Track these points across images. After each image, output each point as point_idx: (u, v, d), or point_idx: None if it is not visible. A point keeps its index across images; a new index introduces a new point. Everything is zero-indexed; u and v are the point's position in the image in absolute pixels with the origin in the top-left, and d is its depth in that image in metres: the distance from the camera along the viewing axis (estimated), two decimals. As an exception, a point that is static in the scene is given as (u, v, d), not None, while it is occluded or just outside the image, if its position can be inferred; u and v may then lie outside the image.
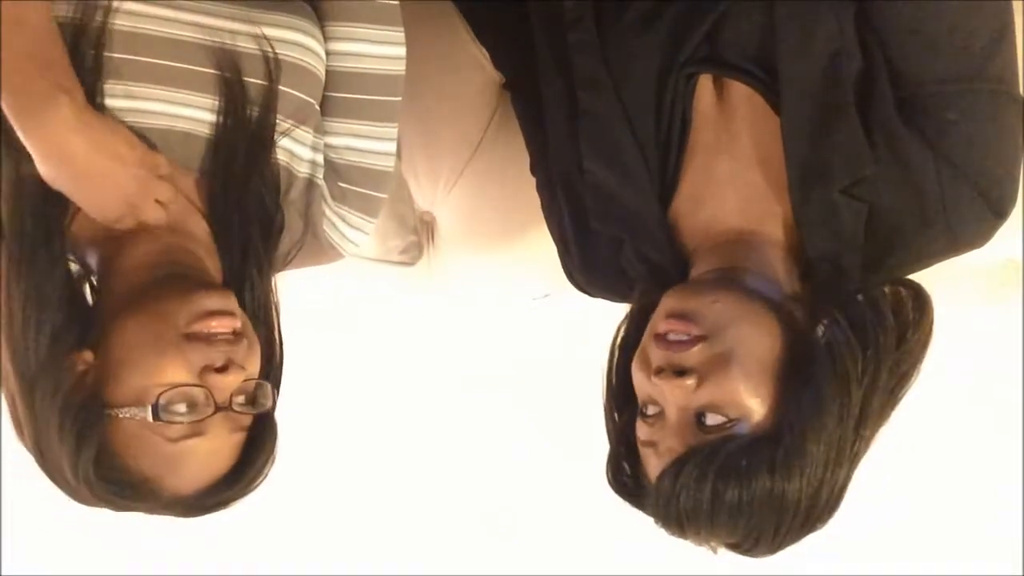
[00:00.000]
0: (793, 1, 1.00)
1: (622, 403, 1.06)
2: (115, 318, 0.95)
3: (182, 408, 0.93)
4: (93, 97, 0.95)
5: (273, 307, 1.06)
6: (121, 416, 0.92)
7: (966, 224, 1.01)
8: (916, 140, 0.99)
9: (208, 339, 0.93)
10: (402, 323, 1.90)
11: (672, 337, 0.97)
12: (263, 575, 2.17)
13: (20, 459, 0.96)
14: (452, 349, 1.96)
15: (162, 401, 0.92)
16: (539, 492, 2.10)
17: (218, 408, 0.94)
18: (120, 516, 1.00)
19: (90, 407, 0.92)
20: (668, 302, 1.00)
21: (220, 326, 0.94)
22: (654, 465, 0.97)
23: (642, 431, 1.00)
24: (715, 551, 1.00)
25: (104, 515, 1.00)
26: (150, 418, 0.92)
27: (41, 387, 0.92)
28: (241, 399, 0.96)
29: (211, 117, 1.02)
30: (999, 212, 1.01)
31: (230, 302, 0.97)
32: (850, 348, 0.96)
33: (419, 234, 1.57)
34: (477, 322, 1.89)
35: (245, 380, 0.96)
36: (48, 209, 0.95)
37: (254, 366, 0.98)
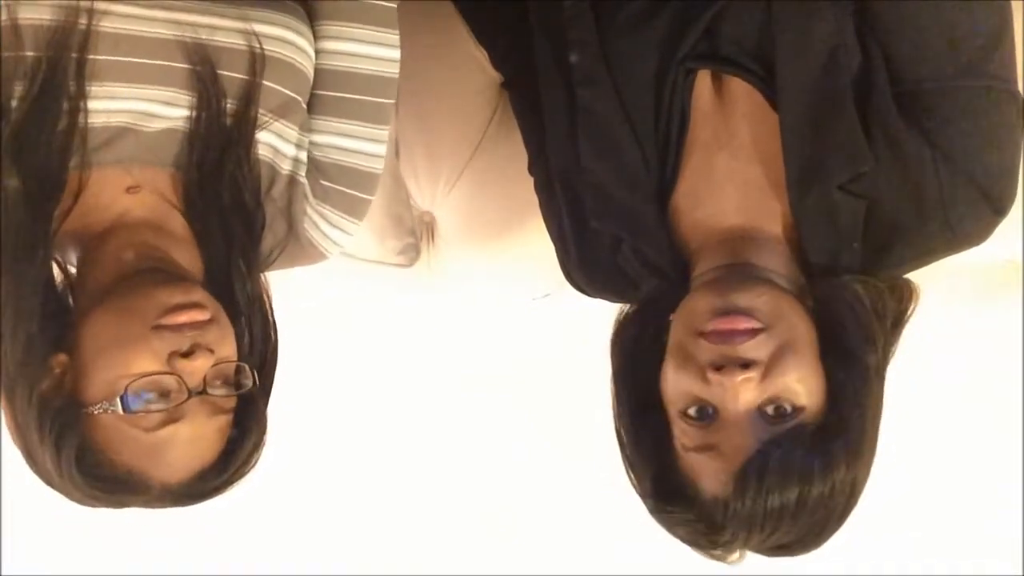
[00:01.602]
0: None
1: (640, 412, 1.02)
2: (86, 317, 0.96)
3: (153, 397, 0.92)
4: (79, 100, 0.96)
5: (265, 296, 1.06)
6: (96, 412, 0.93)
7: (965, 221, 1.01)
8: (915, 137, 0.99)
9: (174, 329, 0.93)
10: (402, 323, 1.90)
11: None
12: (263, 575, 2.17)
13: (20, 459, 0.96)
14: (452, 349, 1.96)
15: (131, 391, 0.92)
16: (539, 492, 2.09)
17: (191, 393, 0.93)
18: (119, 516, 1.00)
19: (67, 407, 0.93)
20: (711, 300, 0.97)
21: (187, 318, 0.94)
22: (716, 469, 0.94)
23: (691, 436, 0.96)
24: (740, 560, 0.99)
25: (104, 515, 1.00)
26: (120, 410, 0.92)
27: (19, 392, 0.93)
28: (217, 383, 0.95)
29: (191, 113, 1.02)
30: (998, 209, 1.01)
31: (195, 294, 0.96)
32: (865, 321, 0.99)
33: (416, 235, 1.57)
34: (477, 322, 1.88)
35: (219, 363, 0.95)
36: (33, 220, 0.95)
37: (227, 349, 0.97)
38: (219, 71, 1.01)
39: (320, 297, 1.59)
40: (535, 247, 1.40)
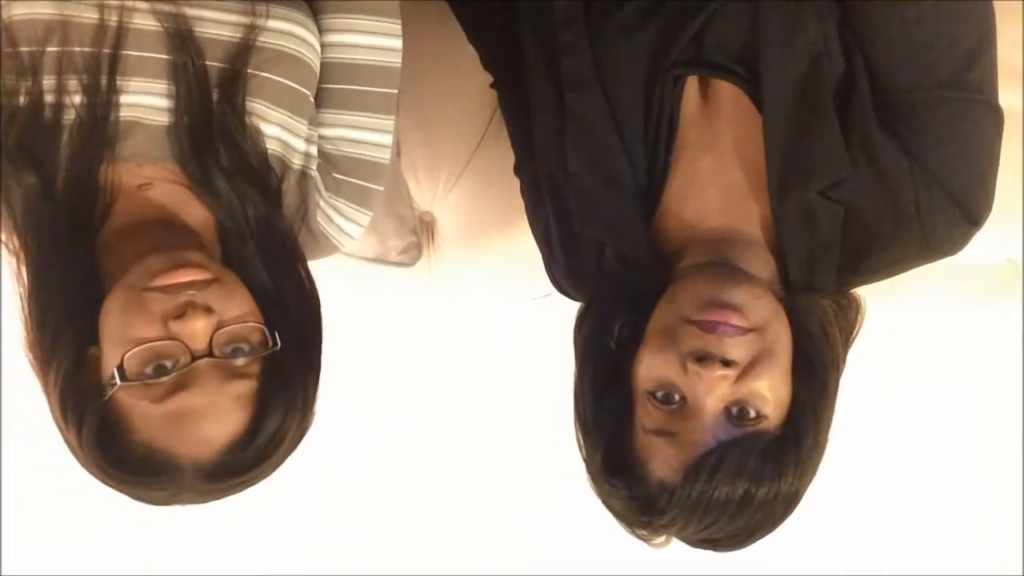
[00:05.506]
0: (777, 4, 1.01)
1: (605, 384, 1.03)
2: (102, 308, 0.95)
3: (151, 367, 0.89)
4: (110, 95, 0.96)
5: (297, 258, 1.04)
6: (109, 393, 0.91)
7: (940, 231, 1.02)
8: (893, 146, 1.00)
9: (164, 290, 0.90)
10: (402, 323, 1.90)
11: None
12: (263, 575, 2.17)
13: (20, 459, 0.96)
14: (452, 349, 1.96)
15: (127, 361, 0.89)
16: (539, 492, 2.09)
17: (194, 357, 0.90)
18: (118, 516, 1.00)
19: (87, 392, 0.92)
20: (708, 289, 0.98)
21: (181, 277, 0.91)
22: (669, 456, 0.95)
23: (653, 418, 0.97)
24: (664, 547, 1.01)
25: (103, 515, 1.00)
26: (118, 381, 0.89)
27: (49, 381, 0.93)
28: (237, 347, 0.92)
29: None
30: (973, 220, 1.02)
31: (189, 256, 0.93)
32: (832, 341, 1.01)
33: (418, 234, 1.57)
34: (477, 322, 1.88)
35: (227, 324, 0.92)
36: (73, 222, 0.96)
37: (237, 309, 0.93)
38: (213, 63, 1.01)
39: (320, 296, 1.59)
40: (536, 247, 1.41)
